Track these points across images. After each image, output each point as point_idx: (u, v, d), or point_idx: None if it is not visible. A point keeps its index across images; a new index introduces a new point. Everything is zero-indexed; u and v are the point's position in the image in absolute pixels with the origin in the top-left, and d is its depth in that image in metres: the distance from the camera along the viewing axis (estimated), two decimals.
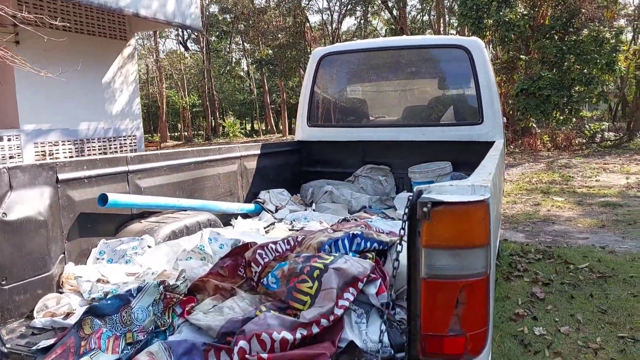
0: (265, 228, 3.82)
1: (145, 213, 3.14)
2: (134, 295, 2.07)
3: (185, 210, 3.35)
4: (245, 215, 4.18)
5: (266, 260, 2.17)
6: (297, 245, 2.26)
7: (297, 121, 5.34)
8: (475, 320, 1.39)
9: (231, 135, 36.95)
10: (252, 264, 2.17)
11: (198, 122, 45.21)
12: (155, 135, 38.18)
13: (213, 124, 38.64)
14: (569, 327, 3.84)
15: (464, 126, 4.68)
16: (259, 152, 4.54)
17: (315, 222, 3.91)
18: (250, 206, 4.19)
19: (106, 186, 2.82)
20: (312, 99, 5.20)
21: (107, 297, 2.15)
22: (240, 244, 2.50)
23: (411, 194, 4.24)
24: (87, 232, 2.72)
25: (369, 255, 2.18)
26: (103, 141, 17.73)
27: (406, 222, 1.44)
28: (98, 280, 2.46)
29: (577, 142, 19.38)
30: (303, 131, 5.25)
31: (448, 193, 1.40)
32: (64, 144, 16.32)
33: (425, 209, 1.33)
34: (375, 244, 2.23)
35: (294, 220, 4.03)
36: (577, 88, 18.21)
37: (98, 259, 2.71)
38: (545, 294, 4.52)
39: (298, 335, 1.77)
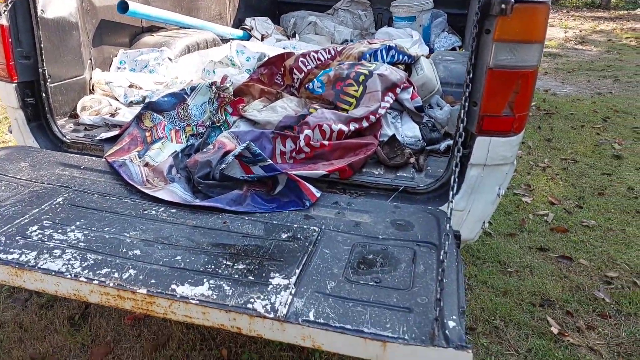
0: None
1: (153, 27, 3.11)
2: (188, 94, 2.21)
3: (189, 28, 3.33)
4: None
5: (309, 67, 2.35)
6: (337, 55, 2.44)
7: None
8: (523, 105, 1.71)
9: None
10: (295, 71, 2.35)
11: None
12: None
13: None
14: (521, 151, 4.44)
15: None
16: None
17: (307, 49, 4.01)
18: (239, 32, 4.18)
19: None
20: None
21: (160, 96, 2.27)
22: (267, 57, 2.63)
23: (393, 28, 4.33)
24: (107, 40, 2.71)
25: (400, 67, 2.42)
26: None
27: (477, 18, 1.65)
28: (130, 86, 2.55)
29: None
30: None
31: None
32: None
33: (504, 6, 1.54)
34: (406, 57, 2.45)
35: (284, 48, 4.11)
36: None
37: (119, 67, 2.75)
38: None
39: (352, 128, 2.05)
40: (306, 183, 1.75)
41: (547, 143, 4.64)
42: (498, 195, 1.86)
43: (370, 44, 2.49)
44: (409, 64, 2.51)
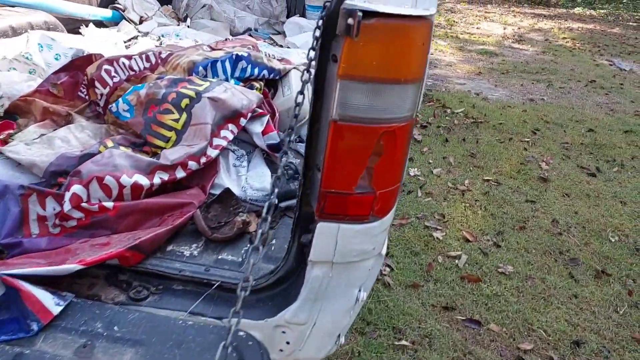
0: (125, 42, 3.12)
1: None
2: None
3: (13, 7, 2.51)
4: (100, 24, 3.38)
5: (116, 80, 1.64)
6: (160, 64, 1.73)
7: None
8: (389, 176, 1.09)
9: None
10: (97, 83, 1.62)
11: None
12: None
13: None
14: (441, 169, 3.92)
15: None
16: None
17: (189, 40, 3.28)
18: (107, 12, 3.37)
19: None
20: None
21: None
22: (85, 54, 1.88)
23: (305, 19, 3.60)
24: None
25: (256, 85, 1.74)
26: None
27: (318, 40, 1.01)
28: None
29: None
30: None
31: (380, 2, 0.97)
32: None
33: (350, 21, 0.90)
34: (265, 72, 1.78)
35: (162, 36, 3.35)
36: None
37: None
38: (422, 136, 4.55)
39: (156, 180, 1.37)
40: (35, 292, 1.06)
41: (471, 159, 4.15)
42: (357, 299, 1.25)
43: (213, 49, 1.80)
44: (275, 80, 1.85)
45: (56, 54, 1.96)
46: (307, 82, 0.97)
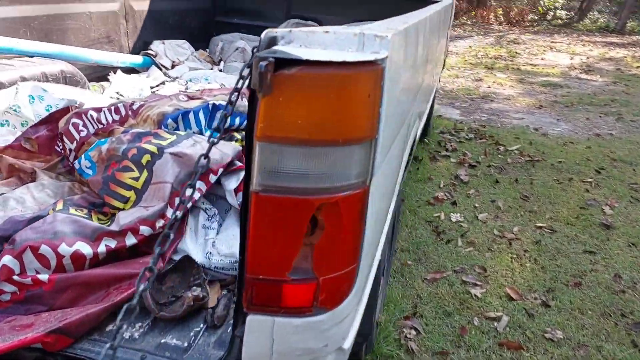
0: (152, 88, 3.11)
1: None
2: None
3: (32, 57, 2.54)
4: (132, 70, 3.41)
5: (84, 134, 1.53)
6: (130, 116, 1.62)
7: None
8: (337, 257, 0.87)
9: None
10: (65, 138, 1.52)
11: None
12: None
13: None
14: (487, 214, 3.57)
15: None
16: None
17: (217, 84, 3.24)
18: (137, 59, 3.40)
19: None
20: None
21: None
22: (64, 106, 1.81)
23: None
24: None
25: (237, 135, 1.58)
26: None
27: (238, 93, 0.82)
28: None
29: (529, 18, 18.75)
30: None
31: (317, 45, 0.78)
32: None
33: (262, 70, 0.71)
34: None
35: (190, 81, 3.33)
36: None
37: None
38: (470, 177, 4.21)
39: (102, 249, 1.22)
40: None
41: (523, 203, 3.76)
42: None
43: (190, 98, 1.66)
44: None
45: (47, 105, 1.91)
46: (214, 144, 0.78)
